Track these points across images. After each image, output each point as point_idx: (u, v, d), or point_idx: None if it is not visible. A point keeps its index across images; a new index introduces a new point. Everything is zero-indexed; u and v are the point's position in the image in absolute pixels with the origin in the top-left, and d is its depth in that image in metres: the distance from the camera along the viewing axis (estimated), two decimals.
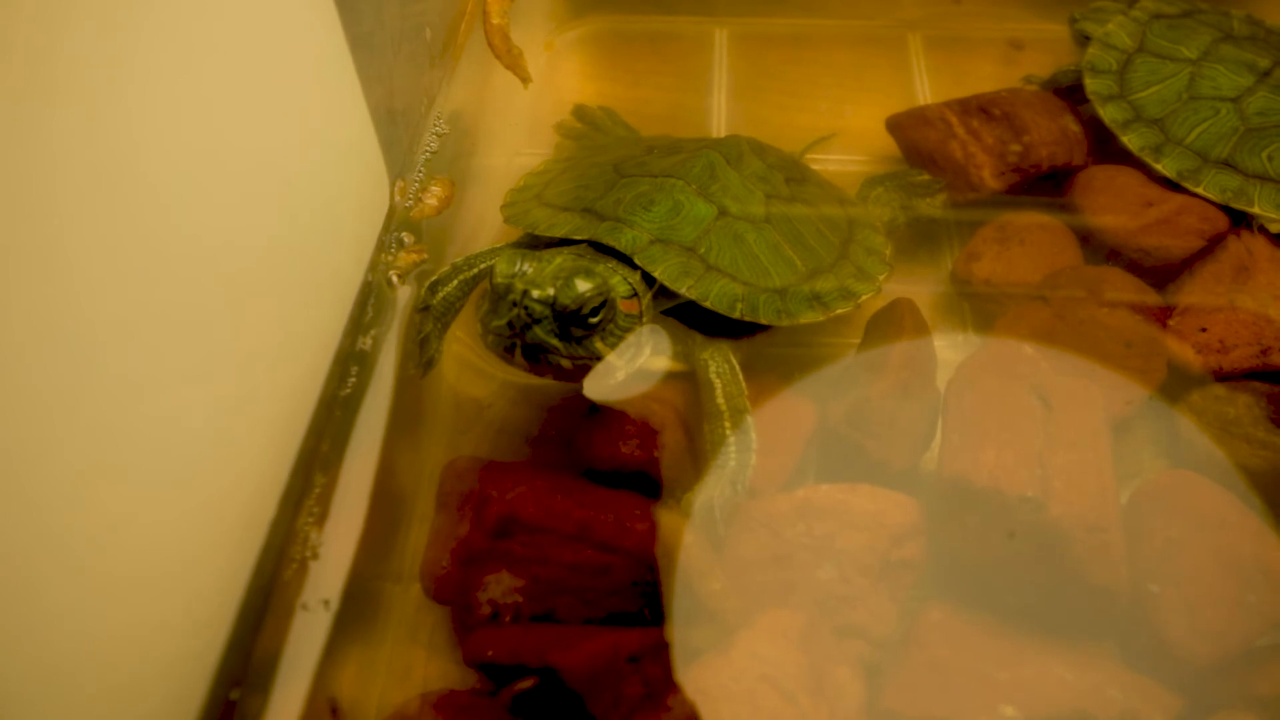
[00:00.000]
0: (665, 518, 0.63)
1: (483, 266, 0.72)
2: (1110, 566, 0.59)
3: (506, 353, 0.62)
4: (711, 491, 0.63)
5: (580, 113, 0.93)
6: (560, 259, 0.63)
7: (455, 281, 0.72)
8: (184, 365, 0.51)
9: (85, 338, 0.43)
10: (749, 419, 0.66)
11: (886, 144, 0.91)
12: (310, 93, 0.64)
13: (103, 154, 0.45)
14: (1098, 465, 0.63)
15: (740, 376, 0.67)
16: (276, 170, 0.60)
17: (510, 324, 0.61)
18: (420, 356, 0.70)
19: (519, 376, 0.68)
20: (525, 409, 0.74)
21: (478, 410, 0.74)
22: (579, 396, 0.68)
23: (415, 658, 0.65)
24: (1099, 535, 0.59)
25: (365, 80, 0.68)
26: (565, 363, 0.63)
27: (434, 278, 0.72)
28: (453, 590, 0.64)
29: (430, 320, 0.71)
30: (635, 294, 0.66)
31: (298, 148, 0.62)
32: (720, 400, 0.66)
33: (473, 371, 0.75)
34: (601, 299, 0.62)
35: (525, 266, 0.62)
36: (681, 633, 0.62)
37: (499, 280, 0.61)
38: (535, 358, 0.62)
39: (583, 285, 0.61)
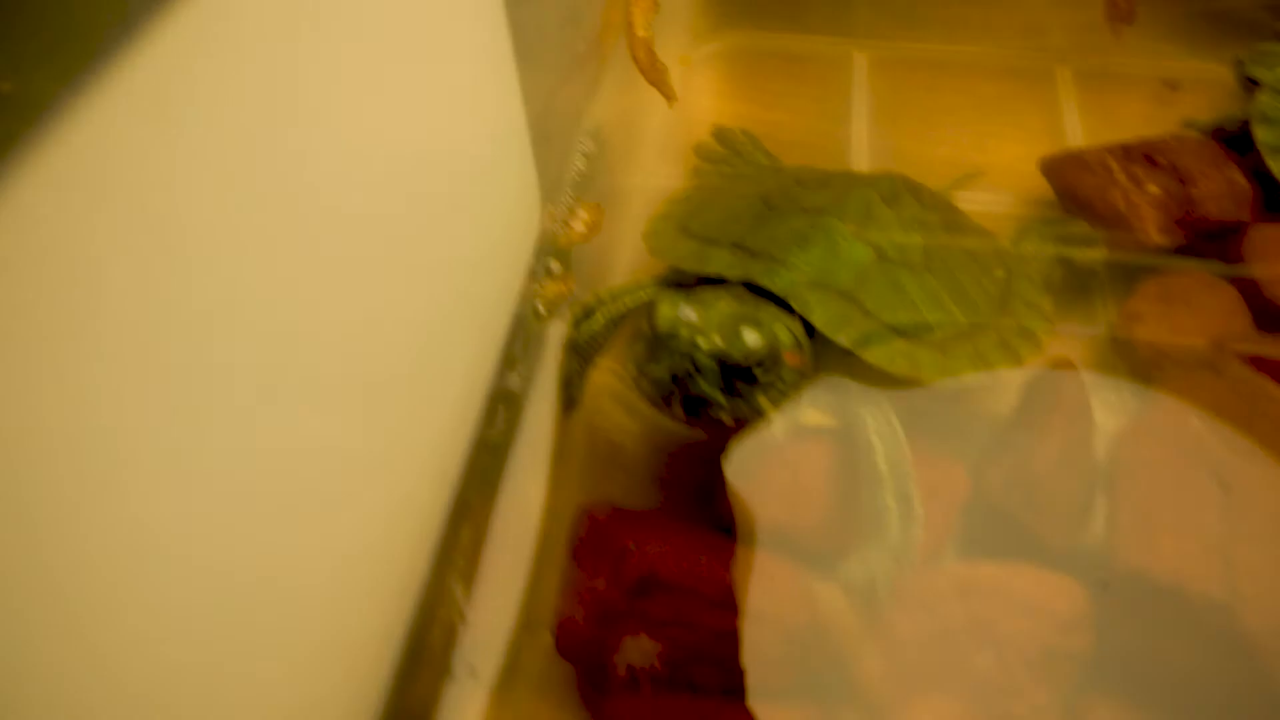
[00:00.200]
0: (818, 589, 0.60)
1: (629, 302, 0.69)
2: None
3: (664, 402, 0.59)
4: (873, 564, 0.60)
5: (721, 135, 0.90)
6: (723, 304, 0.60)
7: (600, 318, 0.69)
8: (336, 402, 0.49)
9: (240, 369, 0.41)
10: (912, 486, 0.62)
11: (1034, 184, 0.86)
12: (475, 108, 0.60)
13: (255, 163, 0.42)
14: None
15: (903, 438, 0.64)
16: (432, 190, 0.57)
17: (673, 373, 0.57)
18: (564, 394, 0.68)
19: (661, 419, 0.65)
20: (660, 453, 0.71)
21: (612, 450, 0.71)
22: (717, 444, 0.65)
23: (541, 713, 0.62)
24: None
25: (527, 96, 0.65)
26: (725, 417, 0.59)
27: (579, 313, 0.70)
28: (585, 649, 0.61)
29: (576, 358, 0.68)
30: (798, 344, 0.62)
31: (456, 166, 0.59)
32: (881, 463, 0.62)
33: (610, 409, 0.72)
34: (768, 352, 0.59)
35: (688, 312, 0.58)
36: (828, 711, 0.59)
37: (662, 325, 0.58)
38: (695, 411, 0.59)
39: (751, 338, 0.58)
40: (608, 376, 0.72)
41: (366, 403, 0.51)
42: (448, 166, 0.58)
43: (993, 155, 0.91)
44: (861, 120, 0.94)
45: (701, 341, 0.57)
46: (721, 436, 0.64)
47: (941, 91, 0.97)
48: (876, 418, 0.64)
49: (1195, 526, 0.60)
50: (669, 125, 0.92)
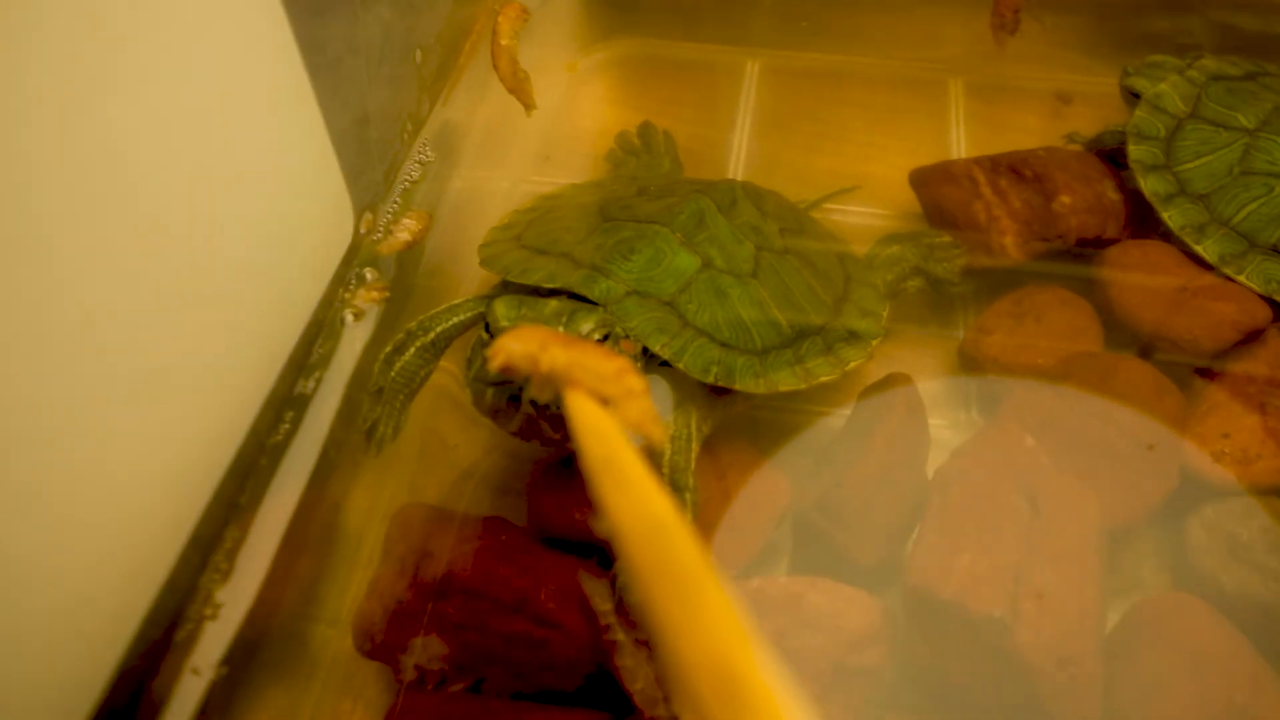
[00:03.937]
0: (591, 588, 0.60)
1: (442, 328, 0.69)
2: (1079, 706, 0.54)
3: (510, 404, 0.58)
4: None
5: (644, 131, 0.90)
6: (554, 302, 0.60)
7: (413, 350, 0.68)
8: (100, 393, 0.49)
9: None
10: (689, 497, 0.62)
11: (910, 196, 0.85)
12: (260, 122, 0.61)
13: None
14: (1080, 585, 0.57)
15: (694, 448, 0.63)
16: (213, 206, 0.57)
17: None
18: (369, 439, 0.67)
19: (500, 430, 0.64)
20: (496, 457, 0.71)
21: (444, 451, 0.71)
22: (549, 453, 0.65)
23: (342, 709, 0.63)
24: (1069, 669, 0.54)
25: (327, 108, 0.65)
26: None
27: (387, 349, 0.68)
28: (381, 648, 0.61)
29: (381, 404, 0.67)
30: (629, 337, 0.62)
31: (242, 180, 0.59)
32: (665, 469, 0.62)
33: (446, 408, 0.72)
34: (605, 332, 0.58)
35: (525, 311, 0.58)
36: None
37: (502, 325, 0.57)
38: (538, 409, 0.58)
39: (586, 320, 0.58)
40: (445, 379, 0.72)
41: (125, 398, 0.52)
42: (230, 179, 0.58)
43: (875, 166, 0.90)
44: (745, 129, 0.93)
45: None
46: (557, 446, 0.63)
47: (833, 103, 0.96)
48: (678, 423, 0.64)
49: (995, 545, 0.59)
50: (550, 131, 0.92)
